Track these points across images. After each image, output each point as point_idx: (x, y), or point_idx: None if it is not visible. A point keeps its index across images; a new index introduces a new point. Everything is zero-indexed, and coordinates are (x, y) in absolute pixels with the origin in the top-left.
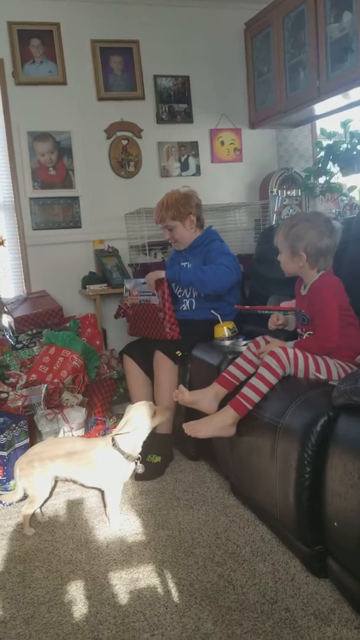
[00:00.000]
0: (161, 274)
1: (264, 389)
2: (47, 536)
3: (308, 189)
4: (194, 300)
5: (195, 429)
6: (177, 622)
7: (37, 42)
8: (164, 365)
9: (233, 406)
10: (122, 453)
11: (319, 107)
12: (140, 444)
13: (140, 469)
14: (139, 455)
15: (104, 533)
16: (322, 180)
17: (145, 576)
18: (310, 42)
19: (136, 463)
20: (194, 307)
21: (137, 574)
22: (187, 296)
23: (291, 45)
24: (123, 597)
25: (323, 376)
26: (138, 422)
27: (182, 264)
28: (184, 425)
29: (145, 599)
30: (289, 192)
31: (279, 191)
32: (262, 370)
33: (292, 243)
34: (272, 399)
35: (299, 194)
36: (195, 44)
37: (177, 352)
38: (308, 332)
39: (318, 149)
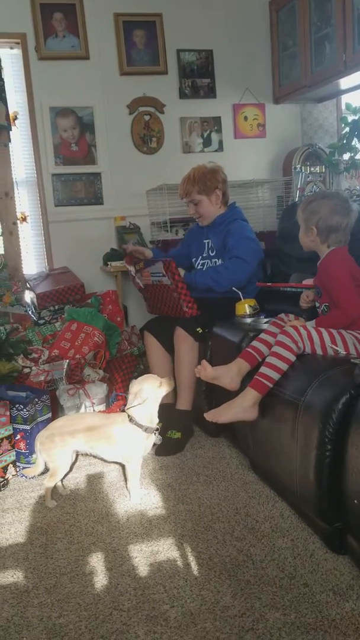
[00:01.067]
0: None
1: (282, 365)
2: (69, 509)
3: (332, 166)
4: None
5: (216, 415)
6: (196, 594)
7: (60, 16)
8: (185, 343)
9: (252, 386)
10: (141, 426)
11: (345, 82)
12: (155, 414)
13: (158, 440)
14: (157, 427)
15: (124, 506)
16: (346, 156)
17: (165, 549)
18: (336, 14)
19: (155, 434)
20: None
21: (157, 547)
22: None
23: (317, 18)
24: (143, 570)
25: (340, 348)
26: (147, 393)
27: (204, 240)
28: (205, 415)
29: (165, 572)
30: (312, 169)
31: (303, 167)
32: (276, 348)
33: (306, 217)
34: (293, 377)
35: (323, 170)
36: (219, 17)
37: (197, 329)
38: (325, 304)
39: (343, 125)
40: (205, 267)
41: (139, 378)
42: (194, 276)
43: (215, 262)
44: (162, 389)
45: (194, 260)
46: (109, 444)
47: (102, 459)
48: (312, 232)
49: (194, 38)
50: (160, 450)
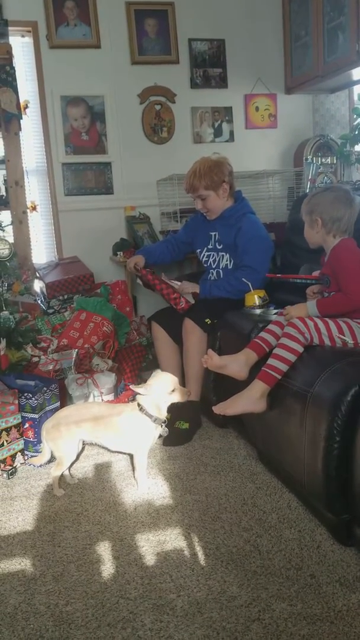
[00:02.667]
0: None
1: (289, 356)
2: (77, 497)
3: (344, 157)
4: (221, 271)
5: (223, 408)
6: (203, 584)
7: (72, 5)
8: (193, 333)
9: (260, 378)
10: (150, 416)
11: (358, 72)
12: (164, 407)
13: (165, 431)
14: (165, 419)
15: (132, 496)
16: (358, 147)
17: (172, 539)
18: (350, 4)
19: (161, 426)
20: (221, 277)
21: (164, 537)
22: (214, 266)
23: (330, 8)
24: (150, 559)
25: (348, 338)
26: (155, 390)
27: (210, 232)
28: (213, 408)
29: (171, 561)
30: (324, 160)
31: (314, 158)
32: (284, 340)
33: (310, 209)
34: (302, 369)
35: (335, 161)
36: (231, 7)
37: (206, 320)
38: (332, 292)
39: (355, 115)
40: (210, 259)
41: (162, 373)
42: (209, 288)
43: (223, 255)
44: (172, 396)
45: (198, 251)
46: (114, 434)
47: (106, 449)
48: (317, 224)
49: (205, 27)
50: (168, 440)
